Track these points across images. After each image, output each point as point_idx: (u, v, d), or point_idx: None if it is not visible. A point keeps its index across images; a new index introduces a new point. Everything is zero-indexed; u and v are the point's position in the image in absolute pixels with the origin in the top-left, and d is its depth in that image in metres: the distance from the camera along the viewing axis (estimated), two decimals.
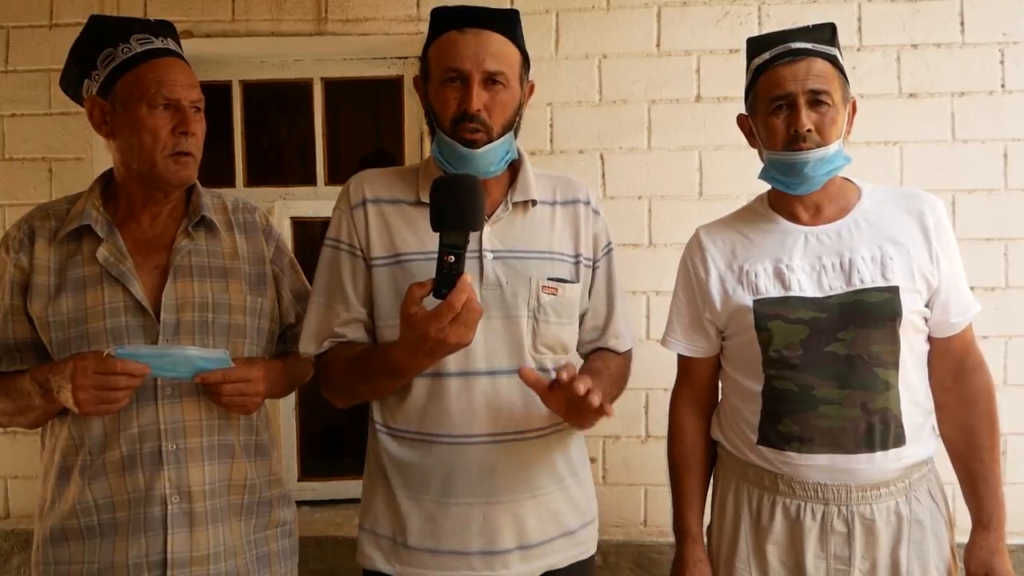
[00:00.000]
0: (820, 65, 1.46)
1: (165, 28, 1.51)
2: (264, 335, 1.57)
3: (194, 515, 1.44)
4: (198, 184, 1.58)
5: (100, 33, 1.46)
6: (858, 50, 2.48)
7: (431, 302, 1.24)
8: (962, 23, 2.46)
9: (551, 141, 2.53)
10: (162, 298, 1.45)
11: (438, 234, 1.25)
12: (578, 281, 1.52)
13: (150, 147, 1.43)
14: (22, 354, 1.49)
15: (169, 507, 1.42)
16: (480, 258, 1.43)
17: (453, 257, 1.22)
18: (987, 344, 2.43)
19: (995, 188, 2.46)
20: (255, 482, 1.53)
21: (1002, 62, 2.46)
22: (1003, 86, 2.46)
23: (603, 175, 2.53)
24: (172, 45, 1.49)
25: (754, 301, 1.51)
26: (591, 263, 1.56)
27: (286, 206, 2.68)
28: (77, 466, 1.44)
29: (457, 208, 1.26)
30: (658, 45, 2.52)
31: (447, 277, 1.22)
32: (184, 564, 1.43)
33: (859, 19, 2.49)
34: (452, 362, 1.40)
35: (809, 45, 1.47)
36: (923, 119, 2.47)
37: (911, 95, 2.48)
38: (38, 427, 1.53)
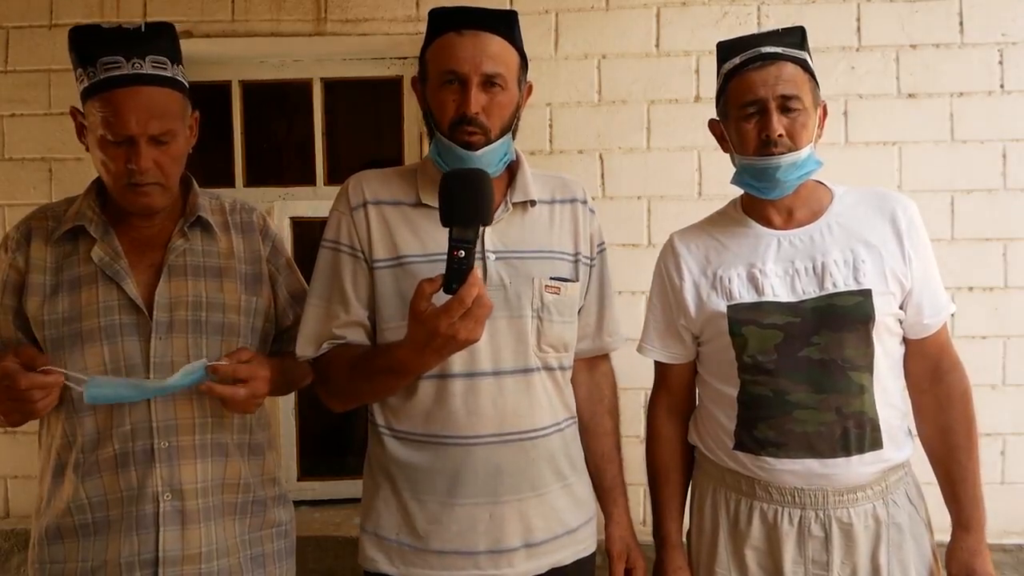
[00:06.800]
0: (790, 69, 1.46)
1: (143, 43, 1.42)
2: (258, 334, 1.57)
3: (186, 513, 1.44)
4: (195, 185, 1.58)
5: (75, 48, 1.43)
6: (857, 50, 2.48)
7: (439, 300, 1.23)
8: (961, 23, 2.47)
9: (550, 141, 2.54)
10: (155, 296, 1.46)
11: (447, 229, 1.24)
12: (578, 279, 1.52)
13: (107, 177, 1.44)
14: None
15: (161, 505, 1.42)
16: (483, 259, 1.43)
17: (463, 252, 1.21)
18: (986, 344, 2.46)
19: (994, 188, 2.47)
20: (249, 481, 1.53)
21: (1001, 63, 2.46)
22: (1002, 86, 2.46)
23: (602, 175, 2.53)
24: (147, 67, 1.41)
25: (728, 307, 1.51)
26: (589, 261, 1.56)
27: (285, 206, 2.69)
28: (71, 464, 1.44)
29: (466, 203, 1.25)
30: (657, 45, 2.52)
31: (457, 272, 1.21)
32: (175, 562, 1.43)
33: (858, 19, 2.49)
34: (457, 363, 1.40)
35: (779, 49, 1.47)
36: (922, 119, 2.47)
37: (910, 95, 2.48)
38: (17, 425, 1.52)
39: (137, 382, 1.38)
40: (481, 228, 1.28)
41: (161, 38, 1.45)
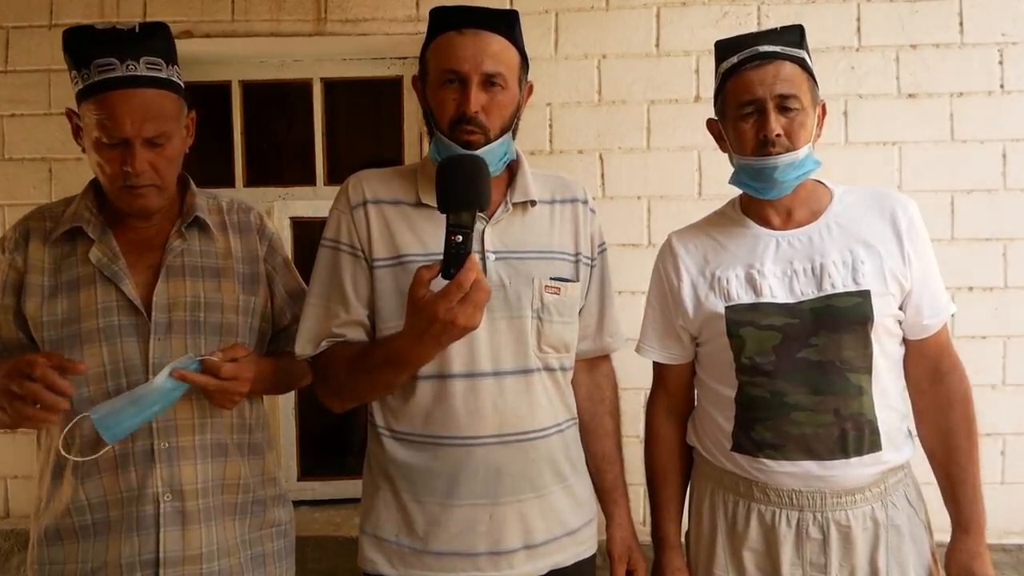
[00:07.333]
0: (788, 69, 1.45)
1: (137, 44, 1.41)
2: (256, 334, 1.57)
3: (186, 513, 1.44)
4: (192, 185, 1.58)
5: (69, 50, 1.43)
6: (857, 50, 2.49)
7: (437, 288, 1.23)
8: (961, 23, 2.47)
9: (550, 141, 2.54)
10: (153, 297, 1.46)
11: (445, 219, 1.24)
12: (578, 280, 1.52)
13: (102, 179, 1.44)
14: (11, 354, 1.48)
15: (161, 505, 1.43)
16: (483, 259, 1.43)
17: (460, 237, 1.22)
18: (986, 344, 2.46)
19: (994, 188, 2.47)
20: (249, 481, 1.53)
21: (1001, 63, 2.46)
22: (1002, 86, 2.47)
23: (602, 175, 2.53)
24: (141, 69, 1.40)
25: (726, 308, 1.50)
26: (590, 262, 1.56)
27: (285, 206, 2.69)
28: (69, 465, 1.44)
29: (462, 187, 1.25)
30: (657, 45, 2.52)
31: (455, 257, 1.21)
32: (176, 563, 1.43)
33: (858, 19, 2.49)
34: (457, 363, 1.40)
35: (777, 48, 1.46)
36: (922, 119, 2.47)
37: (910, 95, 2.48)
38: (16, 427, 1.52)
39: (135, 396, 1.36)
40: (479, 215, 1.27)
41: (155, 39, 1.44)
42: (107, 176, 1.42)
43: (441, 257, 1.24)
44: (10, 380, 1.31)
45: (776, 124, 1.43)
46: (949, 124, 2.47)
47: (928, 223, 1.54)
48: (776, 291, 1.48)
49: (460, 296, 1.20)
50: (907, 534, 1.48)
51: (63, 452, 1.41)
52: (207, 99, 2.69)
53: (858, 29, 2.49)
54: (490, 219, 1.46)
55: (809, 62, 1.49)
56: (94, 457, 1.40)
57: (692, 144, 2.49)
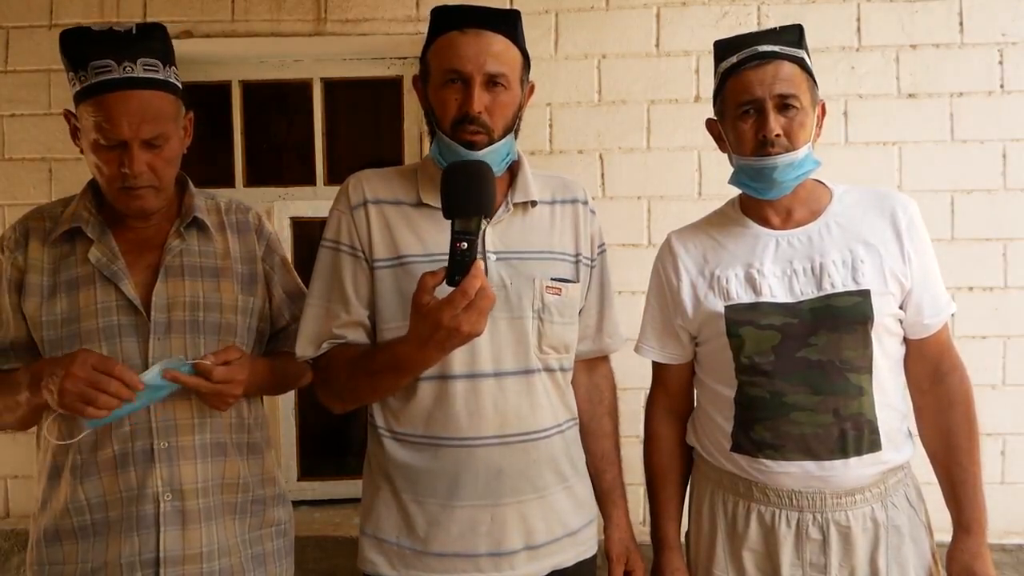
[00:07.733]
0: (788, 68, 1.44)
1: (134, 45, 1.41)
2: (254, 334, 1.57)
3: (186, 513, 1.44)
4: (191, 185, 1.58)
5: (66, 52, 1.42)
6: (857, 50, 2.49)
7: (441, 293, 1.23)
8: (961, 23, 2.47)
9: (550, 141, 2.54)
10: (152, 297, 1.46)
11: (449, 226, 1.24)
12: (579, 280, 1.52)
13: (101, 180, 1.45)
14: (17, 353, 1.49)
15: (161, 505, 1.43)
16: (484, 259, 1.42)
17: (466, 244, 1.21)
18: (986, 344, 2.46)
19: (994, 188, 2.47)
20: (248, 481, 1.53)
21: (1001, 63, 2.47)
22: (1002, 86, 2.47)
23: (602, 175, 2.53)
24: (138, 71, 1.40)
25: (725, 307, 1.49)
26: (590, 262, 1.56)
27: (285, 206, 2.69)
28: (67, 465, 1.45)
29: (469, 194, 1.25)
30: (657, 45, 2.53)
31: (460, 264, 1.21)
32: (177, 562, 1.43)
33: (858, 19, 2.49)
34: (458, 364, 1.40)
35: (776, 48, 1.45)
36: (922, 119, 2.48)
37: (910, 95, 2.48)
38: (27, 428, 1.53)
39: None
40: (484, 220, 1.27)
41: (152, 40, 1.44)
42: (105, 177, 1.43)
43: (443, 259, 1.23)
44: (78, 370, 1.31)
45: (775, 124, 1.43)
46: (949, 124, 2.47)
47: (928, 223, 1.54)
48: (776, 291, 1.48)
49: (465, 304, 1.20)
50: (907, 535, 1.48)
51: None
52: (207, 99, 2.69)
53: (858, 29, 2.49)
54: (491, 219, 1.45)
55: (808, 62, 1.49)
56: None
57: (692, 144, 2.49)
